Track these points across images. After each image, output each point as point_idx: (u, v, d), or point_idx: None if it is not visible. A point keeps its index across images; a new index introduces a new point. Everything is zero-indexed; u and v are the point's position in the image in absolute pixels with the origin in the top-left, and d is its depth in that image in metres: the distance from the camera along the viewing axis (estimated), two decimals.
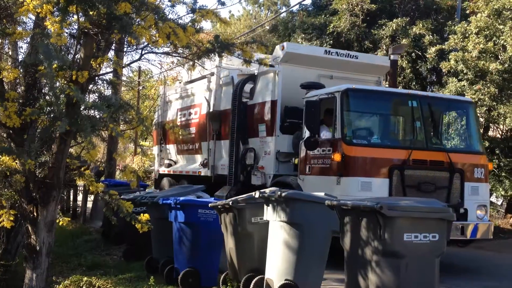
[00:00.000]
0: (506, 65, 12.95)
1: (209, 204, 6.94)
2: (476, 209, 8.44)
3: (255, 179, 9.96)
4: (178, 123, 13.50)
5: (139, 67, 24.24)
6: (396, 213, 4.68)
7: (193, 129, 12.88)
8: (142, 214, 5.91)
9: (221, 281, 6.84)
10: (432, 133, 9.04)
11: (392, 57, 10.31)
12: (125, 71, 15.05)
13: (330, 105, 8.56)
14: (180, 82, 15.21)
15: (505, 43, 13.07)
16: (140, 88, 25.30)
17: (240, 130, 10.49)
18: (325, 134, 8.67)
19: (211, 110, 11.80)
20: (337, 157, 8.04)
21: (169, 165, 13.94)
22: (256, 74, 10.43)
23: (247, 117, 10.54)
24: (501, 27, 13.30)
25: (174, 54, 6.45)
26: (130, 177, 5.80)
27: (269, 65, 7.03)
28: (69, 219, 6.42)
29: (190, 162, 13.08)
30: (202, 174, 11.87)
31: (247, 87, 10.60)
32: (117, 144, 15.36)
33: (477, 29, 13.59)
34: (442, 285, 7.27)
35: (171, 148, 14.13)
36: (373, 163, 8.07)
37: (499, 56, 13.36)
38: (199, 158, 12.45)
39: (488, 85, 13.05)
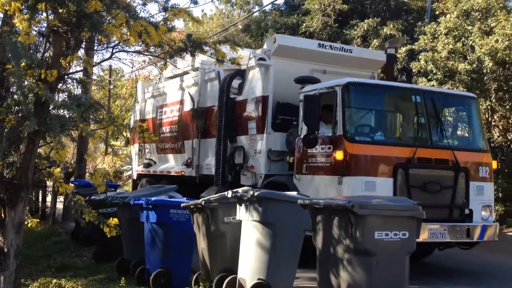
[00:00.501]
0: (474, 65, 13.20)
1: (181, 204, 6.90)
2: (481, 210, 8.10)
3: (244, 179, 9.51)
4: (158, 121, 13.03)
5: (110, 65, 23.96)
6: (367, 211, 4.73)
7: (175, 127, 12.33)
8: (111, 218, 5.82)
9: (193, 281, 6.79)
10: (436, 130, 8.59)
11: (388, 51, 10.04)
12: (95, 70, 14.88)
13: (329, 100, 8.07)
14: (159, 78, 14.54)
15: (473, 44, 13.32)
16: (111, 87, 25.03)
17: (227, 128, 10.01)
18: (323, 131, 8.15)
19: (195, 107, 11.29)
20: (338, 155, 7.56)
21: (149, 165, 13.32)
22: (245, 68, 9.84)
23: (235, 114, 10.06)
24: (469, 28, 13.56)
25: (146, 53, 6.40)
26: (100, 181, 5.68)
27: (241, 64, 6.93)
28: (38, 220, 6.30)
29: (172, 161, 12.52)
30: (186, 174, 11.35)
31: (235, 82, 10.13)
32: (87, 144, 15.16)
33: (446, 30, 13.84)
34: None
35: (151, 147, 13.48)
36: (377, 162, 7.61)
37: (468, 56, 13.61)
38: (182, 158, 11.93)
39: (457, 84, 13.28)
